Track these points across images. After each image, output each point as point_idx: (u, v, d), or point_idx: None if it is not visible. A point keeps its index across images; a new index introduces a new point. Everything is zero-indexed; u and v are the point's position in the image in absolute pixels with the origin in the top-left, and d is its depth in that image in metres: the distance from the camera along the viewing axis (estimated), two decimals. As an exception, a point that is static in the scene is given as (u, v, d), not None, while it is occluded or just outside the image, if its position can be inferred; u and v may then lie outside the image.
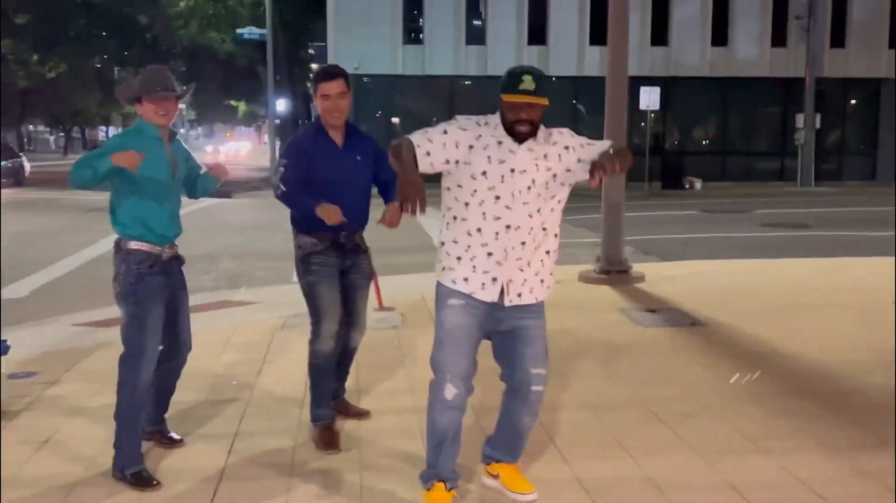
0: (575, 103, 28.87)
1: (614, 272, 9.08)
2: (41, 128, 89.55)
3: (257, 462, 4.28)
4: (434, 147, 3.50)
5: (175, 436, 4.50)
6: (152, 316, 3.99)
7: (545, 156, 3.58)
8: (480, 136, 3.57)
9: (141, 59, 41.99)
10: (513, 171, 3.53)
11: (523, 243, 3.57)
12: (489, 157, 3.54)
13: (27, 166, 29.53)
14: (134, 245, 4.00)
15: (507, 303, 3.60)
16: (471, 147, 3.55)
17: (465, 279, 3.59)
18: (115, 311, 7.68)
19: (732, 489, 3.89)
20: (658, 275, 9.45)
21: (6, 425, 4.83)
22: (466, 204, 3.57)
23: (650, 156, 26.53)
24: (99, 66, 47.73)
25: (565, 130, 3.69)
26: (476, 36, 29.03)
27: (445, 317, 3.63)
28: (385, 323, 7.28)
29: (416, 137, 3.51)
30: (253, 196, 26.31)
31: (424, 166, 3.48)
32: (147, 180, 3.97)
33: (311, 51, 38.07)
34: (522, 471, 4.01)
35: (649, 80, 26.68)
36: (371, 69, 28.15)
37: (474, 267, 3.58)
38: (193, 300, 8.69)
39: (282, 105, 33.03)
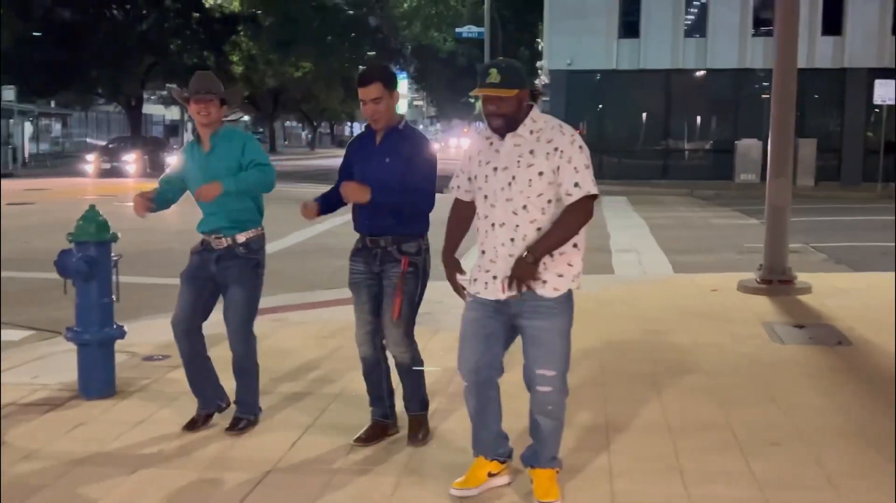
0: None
1: (776, 282, 8.49)
2: (294, 123, 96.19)
3: (311, 456, 4.41)
4: (460, 179, 3.88)
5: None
6: (182, 291, 4.69)
7: (531, 152, 3.56)
8: (476, 144, 3.75)
9: (374, 59, 43.95)
10: (495, 169, 3.62)
11: (512, 240, 3.58)
12: (479, 162, 3.70)
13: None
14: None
15: (502, 297, 3.60)
16: (470, 159, 3.77)
17: (475, 280, 3.74)
18: (275, 301, 8.16)
19: (775, 529, 3.57)
20: (829, 287, 8.73)
21: (118, 404, 5.28)
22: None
23: (886, 154, 24.41)
24: (347, 65, 50.59)
25: (569, 132, 3.60)
26: (695, 27, 28.00)
27: (462, 317, 3.80)
28: (509, 325, 7.24)
29: (453, 181, 3.92)
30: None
31: (466, 197, 3.88)
32: (187, 178, 4.67)
33: (535, 47, 38.18)
34: (560, 481, 3.90)
35: (887, 73, 24.57)
36: (584, 64, 27.89)
37: (479, 267, 3.73)
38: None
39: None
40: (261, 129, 64.47)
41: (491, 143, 3.67)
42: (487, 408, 3.87)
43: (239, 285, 4.60)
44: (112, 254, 5.43)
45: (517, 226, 3.57)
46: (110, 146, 34.56)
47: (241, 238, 4.58)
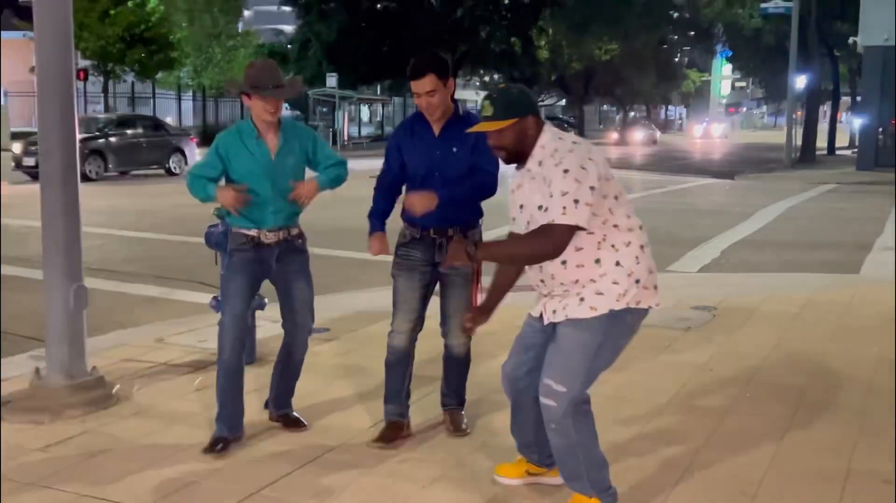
0: None
1: None
2: (609, 107, 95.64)
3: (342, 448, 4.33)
4: None
5: (301, 419, 4.56)
6: (233, 286, 4.28)
7: (535, 185, 3.32)
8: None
9: (681, 39, 42.42)
10: (521, 207, 3.42)
11: (542, 281, 3.41)
12: (512, 191, 3.52)
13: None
14: (234, 228, 4.36)
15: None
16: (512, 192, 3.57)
17: None
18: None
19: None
20: None
21: (250, 372, 5.51)
22: None
23: None
24: (664, 45, 49.39)
25: (559, 156, 3.22)
26: None
27: None
28: (681, 323, 6.72)
29: None
30: (753, 178, 25.26)
31: None
32: (242, 175, 4.25)
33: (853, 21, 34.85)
34: None
35: None
36: (904, 40, 24.98)
37: None
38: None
39: (802, 81, 30.89)
40: (572, 117, 64.56)
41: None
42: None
43: (305, 281, 4.39)
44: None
45: (541, 266, 3.33)
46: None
47: (296, 230, 4.39)
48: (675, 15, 41.18)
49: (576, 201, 3.10)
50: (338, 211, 14.10)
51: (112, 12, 36.43)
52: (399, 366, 4.39)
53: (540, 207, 3.22)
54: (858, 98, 32.32)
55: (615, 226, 3.24)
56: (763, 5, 29.40)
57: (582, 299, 3.27)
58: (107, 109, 39.29)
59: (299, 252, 4.41)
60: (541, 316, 3.41)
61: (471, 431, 4.44)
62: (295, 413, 4.59)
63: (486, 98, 3.34)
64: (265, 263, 4.35)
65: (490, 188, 4.16)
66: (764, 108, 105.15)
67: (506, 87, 3.40)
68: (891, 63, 25.52)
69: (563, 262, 3.26)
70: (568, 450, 3.39)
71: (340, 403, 4.94)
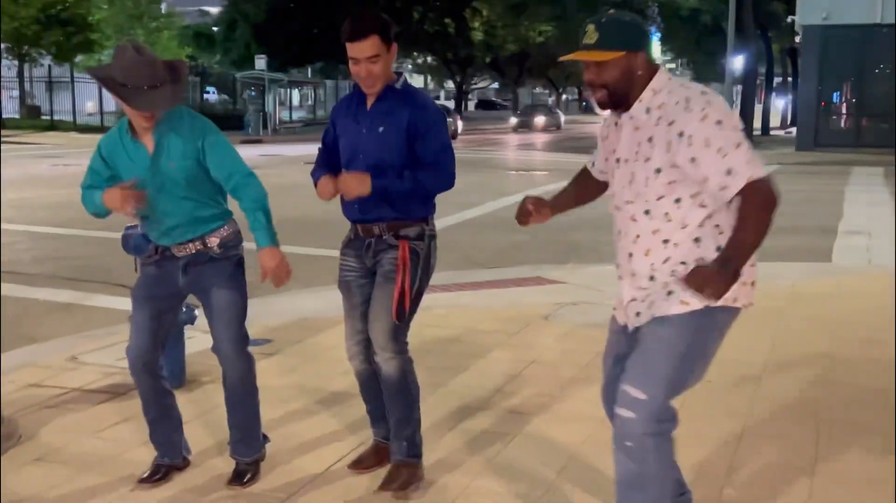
0: None
1: None
2: (542, 90, 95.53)
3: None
4: (598, 157, 3.10)
5: (245, 473, 3.69)
6: (135, 317, 3.66)
7: (650, 139, 2.64)
8: (605, 124, 2.91)
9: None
10: (618, 160, 2.75)
11: (630, 255, 2.76)
12: (608, 149, 2.88)
13: (459, 125, 36.95)
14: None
15: (628, 324, 2.87)
16: (602, 139, 2.96)
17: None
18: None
19: None
20: None
21: (178, 397, 4.75)
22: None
23: None
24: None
25: (699, 105, 2.56)
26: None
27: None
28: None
29: (592, 157, 3.19)
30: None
31: (600, 178, 3.15)
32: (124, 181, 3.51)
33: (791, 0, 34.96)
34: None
35: None
36: (843, 18, 24.98)
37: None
38: (508, 273, 8.36)
39: (739, 62, 30.77)
40: (506, 99, 64.19)
41: (616, 125, 2.82)
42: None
43: (225, 288, 3.57)
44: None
45: (637, 236, 2.73)
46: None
47: (214, 240, 3.56)
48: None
49: (750, 149, 2.59)
50: (270, 200, 13.25)
51: (26, -9, 34.67)
52: (367, 388, 3.72)
53: (658, 171, 2.63)
54: (790, 78, 32.37)
55: (728, 202, 2.63)
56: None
57: (670, 292, 2.69)
58: (23, 95, 37.46)
59: (212, 261, 3.57)
60: (625, 325, 2.86)
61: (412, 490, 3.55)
62: (247, 460, 3.73)
63: (591, 22, 2.68)
64: (170, 279, 3.62)
65: (443, 185, 3.43)
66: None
67: (617, 12, 2.74)
68: (829, 40, 25.50)
69: (665, 241, 2.68)
70: (637, 484, 2.70)
71: (290, 436, 4.17)
